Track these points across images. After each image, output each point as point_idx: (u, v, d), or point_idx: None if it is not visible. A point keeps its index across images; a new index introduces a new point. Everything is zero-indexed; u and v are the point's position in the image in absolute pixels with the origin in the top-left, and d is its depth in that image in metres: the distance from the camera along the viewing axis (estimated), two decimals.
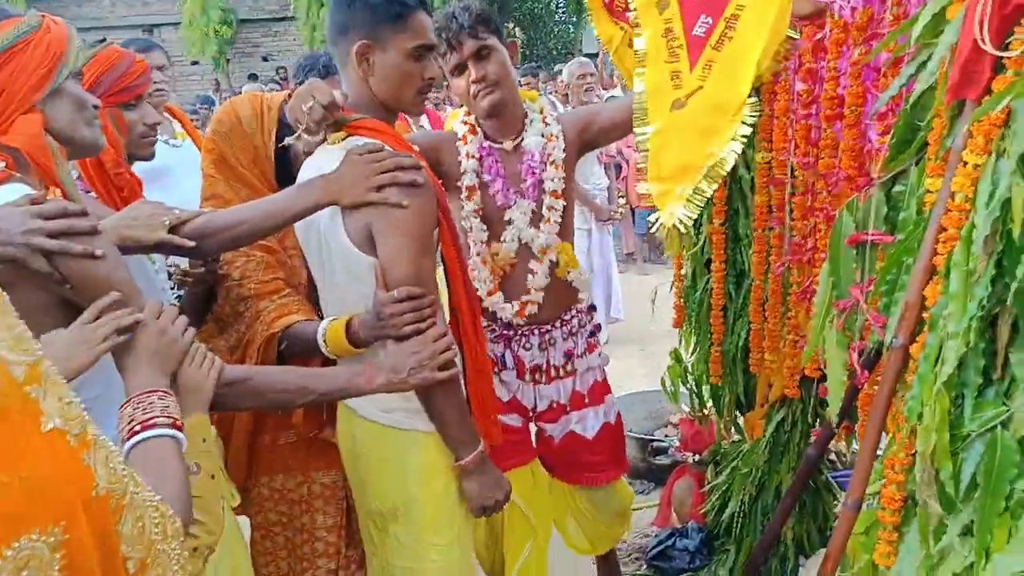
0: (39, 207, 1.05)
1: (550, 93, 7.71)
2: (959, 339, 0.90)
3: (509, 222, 1.82)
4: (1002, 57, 0.90)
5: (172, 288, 1.80)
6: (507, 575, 1.96)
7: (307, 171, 1.45)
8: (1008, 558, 0.85)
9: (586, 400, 1.96)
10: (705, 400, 2.27)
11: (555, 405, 1.95)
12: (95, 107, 1.28)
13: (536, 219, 1.83)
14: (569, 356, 1.93)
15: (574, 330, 1.94)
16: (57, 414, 0.58)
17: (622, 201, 5.38)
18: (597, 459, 2.00)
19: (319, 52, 2.32)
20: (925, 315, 0.99)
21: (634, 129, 1.15)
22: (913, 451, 0.99)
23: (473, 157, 1.81)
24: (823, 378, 1.56)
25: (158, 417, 0.99)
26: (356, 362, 1.47)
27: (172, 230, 1.34)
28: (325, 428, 1.69)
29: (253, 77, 11.57)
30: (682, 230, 1.15)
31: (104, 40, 1.83)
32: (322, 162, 1.40)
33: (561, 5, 14.38)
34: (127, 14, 13.86)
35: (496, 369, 1.89)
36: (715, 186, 1.20)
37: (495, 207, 1.83)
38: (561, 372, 1.93)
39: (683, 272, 2.20)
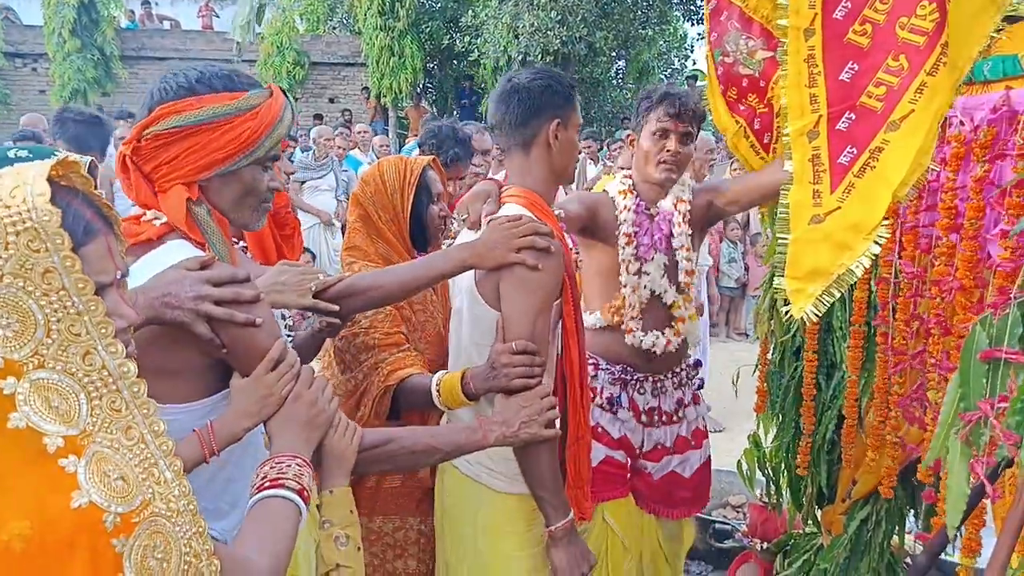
0: (209, 273, 1.05)
1: (607, 158, 7.98)
2: None
3: (646, 273, 2.07)
4: None
5: (288, 331, 1.90)
6: None
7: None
8: None
9: (691, 443, 2.16)
10: (782, 488, 2.26)
11: (660, 447, 2.13)
12: (271, 191, 1.23)
13: (668, 272, 2.07)
14: (680, 403, 2.14)
15: (683, 382, 2.16)
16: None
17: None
18: (688, 495, 2.16)
19: (442, 125, 2.49)
20: None
21: (776, 235, 1.23)
22: None
23: (630, 210, 2.08)
24: (924, 484, 1.57)
25: (288, 480, 1.02)
26: (467, 415, 1.54)
27: (316, 294, 1.40)
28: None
29: (319, 117, 12.07)
30: (808, 323, 1.24)
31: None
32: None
33: (621, 72, 14.83)
34: (206, 48, 14.54)
35: (611, 408, 2.09)
36: (842, 290, 1.25)
37: (636, 258, 2.07)
38: (674, 417, 2.13)
39: (769, 356, 2.22)
